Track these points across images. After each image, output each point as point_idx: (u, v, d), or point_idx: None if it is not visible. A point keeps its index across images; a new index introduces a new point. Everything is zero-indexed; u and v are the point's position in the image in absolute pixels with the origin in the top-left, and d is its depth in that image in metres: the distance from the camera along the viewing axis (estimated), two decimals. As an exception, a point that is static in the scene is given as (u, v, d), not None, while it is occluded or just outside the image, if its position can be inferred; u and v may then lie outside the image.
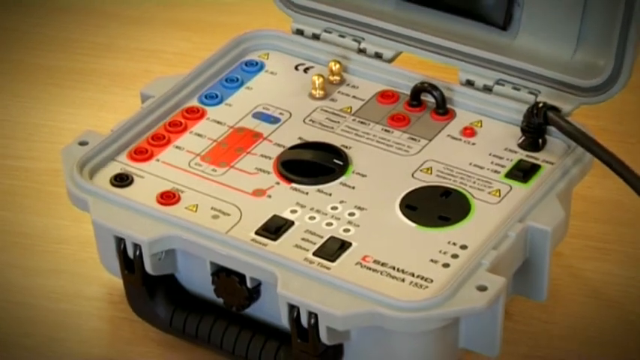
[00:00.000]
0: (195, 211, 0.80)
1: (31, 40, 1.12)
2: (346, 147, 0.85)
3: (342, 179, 0.82)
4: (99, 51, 1.10)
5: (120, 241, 0.79)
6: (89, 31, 1.13)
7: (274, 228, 0.78)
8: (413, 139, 0.86)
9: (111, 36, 1.12)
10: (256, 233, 0.78)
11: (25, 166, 0.98)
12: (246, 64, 0.92)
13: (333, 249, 0.77)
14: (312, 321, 0.73)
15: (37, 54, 1.10)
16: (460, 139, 0.85)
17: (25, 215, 0.94)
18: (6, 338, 0.84)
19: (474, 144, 0.85)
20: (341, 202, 0.81)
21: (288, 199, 0.81)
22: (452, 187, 0.81)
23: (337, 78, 0.90)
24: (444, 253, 0.76)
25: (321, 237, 0.78)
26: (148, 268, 0.79)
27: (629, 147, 0.91)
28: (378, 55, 0.91)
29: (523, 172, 0.82)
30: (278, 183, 0.82)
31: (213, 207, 0.80)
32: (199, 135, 0.86)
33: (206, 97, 0.89)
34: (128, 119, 0.86)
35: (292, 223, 0.79)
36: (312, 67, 0.92)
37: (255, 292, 0.78)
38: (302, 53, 0.93)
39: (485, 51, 0.88)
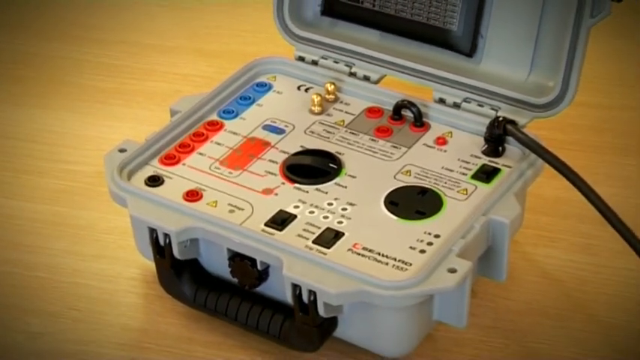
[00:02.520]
0: (215, 206, 0.79)
1: (85, 66, 1.11)
2: (340, 153, 0.83)
3: (336, 180, 0.81)
4: (139, 75, 1.10)
5: (153, 232, 0.78)
6: (131, 59, 1.12)
7: (280, 220, 0.77)
8: (395, 147, 0.84)
9: (149, 63, 1.11)
10: (265, 225, 0.77)
11: (77, 169, 0.97)
12: (257, 85, 0.91)
13: (329, 238, 0.76)
14: (312, 298, 0.73)
15: (89, 77, 1.09)
16: (434, 147, 0.84)
17: (77, 210, 0.93)
18: (59, 311, 0.83)
19: (445, 151, 0.84)
20: (335, 199, 0.79)
21: (292, 197, 0.80)
22: (427, 186, 0.80)
23: (332, 97, 0.89)
24: (421, 241, 0.75)
25: (319, 228, 0.77)
26: (176, 253, 0.78)
27: (572, 153, 0.90)
28: (366, 78, 0.90)
29: (486, 174, 0.81)
30: (283, 183, 0.81)
31: (229, 203, 0.79)
32: (218, 144, 0.85)
33: (224, 112, 0.88)
34: (160, 130, 0.85)
35: (295, 216, 0.78)
36: (311, 87, 0.91)
37: (264, 274, 0.77)
38: (303, 76, 0.92)
39: (454, 74, 0.87)
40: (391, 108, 0.87)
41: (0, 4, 1.20)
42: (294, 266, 0.73)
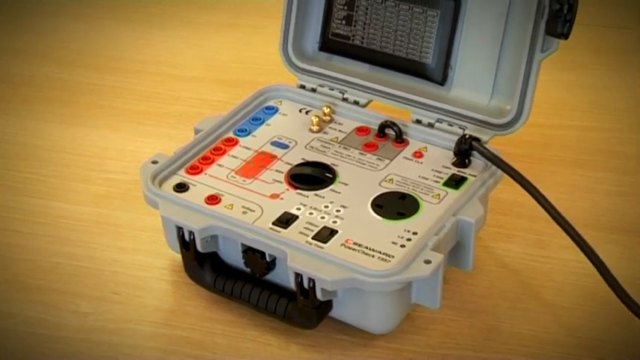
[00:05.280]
0: (231, 208, 0.78)
1: (123, 93, 1.10)
2: (334, 165, 0.83)
3: (331, 187, 0.81)
4: (168, 100, 1.09)
5: (180, 229, 0.78)
6: (162, 87, 1.11)
7: (285, 220, 0.77)
8: (380, 159, 0.84)
9: (176, 90, 1.11)
10: (273, 224, 0.77)
11: (117, 177, 0.97)
12: (266, 108, 0.91)
13: (325, 234, 0.75)
14: (311, 284, 0.73)
15: (127, 102, 1.09)
16: (412, 160, 0.84)
17: (117, 211, 0.92)
18: (103, 295, 0.83)
19: (421, 163, 0.83)
20: (331, 202, 0.79)
21: (295, 201, 0.79)
22: (406, 192, 0.80)
23: (328, 118, 0.89)
24: (401, 237, 0.75)
25: (317, 226, 0.76)
26: (199, 247, 0.77)
27: (525, 165, 0.90)
28: (356, 102, 0.90)
29: (455, 182, 0.80)
30: (287, 189, 0.80)
31: (243, 206, 0.78)
32: (234, 157, 0.84)
33: (239, 130, 0.87)
34: (185, 145, 0.84)
35: (297, 217, 0.77)
36: (311, 110, 0.90)
37: (272, 264, 0.77)
38: (304, 101, 0.91)
39: (428, 99, 0.86)
40: (377, 127, 0.86)
41: (53, 43, 1.20)
42: (297, 258, 0.73)
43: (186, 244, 0.78)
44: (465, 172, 0.81)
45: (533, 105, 0.81)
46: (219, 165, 0.83)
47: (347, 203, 0.79)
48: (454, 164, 0.82)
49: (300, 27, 0.92)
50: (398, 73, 0.89)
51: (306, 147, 0.85)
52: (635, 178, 0.94)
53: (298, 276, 0.73)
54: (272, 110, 0.90)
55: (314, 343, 0.78)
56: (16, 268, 0.86)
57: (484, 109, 0.85)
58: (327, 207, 0.78)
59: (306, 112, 0.90)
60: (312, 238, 0.75)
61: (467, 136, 0.81)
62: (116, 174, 0.97)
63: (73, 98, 1.10)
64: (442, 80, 0.87)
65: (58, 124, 1.05)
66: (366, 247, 0.74)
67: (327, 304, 0.76)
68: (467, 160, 0.82)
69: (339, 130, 0.88)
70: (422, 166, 0.83)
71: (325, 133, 0.87)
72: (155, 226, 0.87)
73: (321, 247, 0.74)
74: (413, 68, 0.88)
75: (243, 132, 0.87)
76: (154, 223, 0.88)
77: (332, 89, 0.91)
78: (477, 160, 0.82)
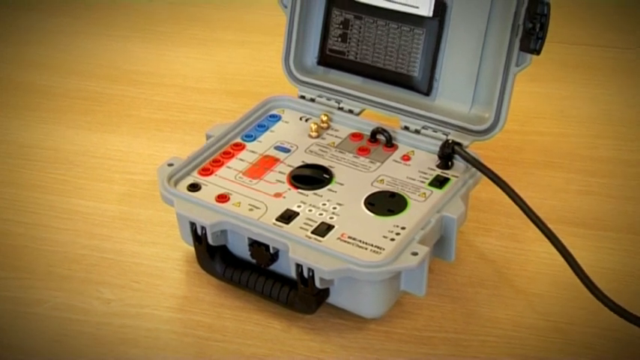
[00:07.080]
0: (239, 206, 0.78)
1: (142, 102, 1.10)
2: (331, 167, 0.83)
3: (329, 187, 0.80)
4: (183, 109, 1.09)
5: (193, 225, 0.77)
6: (177, 97, 1.11)
7: (287, 216, 0.76)
8: (372, 162, 0.83)
9: (190, 100, 1.10)
10: (276, 220, 0.76)
11: (137, 178, 0.96)
12: (270, 116, 0.90)
13: (323, 229, 0.75)
14: (310, 274, 0.72)
15: (146, 110, 1.08)
16: (401, 162, 0.83)
17: (137, 208, 0.92)
18: (124, 283, 0.83)
19: (409, 165, 0.83)
20: (328, 200, 0.78)
21: (296, 199, 0.79)
22: (396, 191, 0.79)
23: (325, 125, 0.88)
24: (391, 232, 0.75)
25: (316, 222, 0.76)
26: (210, 241, 0.77)
27: (502, 167, 0.90)
28: (350, 111, 0.89)
29: (439, 182, 0.80)
30: (289, 189, 0.80)
31: (249, 204, 0.78)
32: (241, 160, 0.84)
33: (245, 136, 0.87)
34: (198, 150, 0.84)
35: (298, 213, 0.77)
36: (310, 118, 0.90)
37: (275, 256, 0.76)
38: (304, 110, 0.91)
39: (415, 108, 0.86)
40: (369, 133, 0.86)
41: (82, 59, 1.19)
42: (298, 250, 0.72)
43: (198, 238, 0.78)
44: (448, 173, 0.81)
45: (509, 113, 0.81)
46: (228, 167, 0.83)
47: (342, 201, 0.78)
48: (438, 166, 0.82)
49: (300, 43, 0.92)
50: (388, 85, 0.88)
51: (305, 151, 0.85)
52: (601, 179, 0.94)
53: (299, 266, 0.72)
54: (275, 118, 0.90)
55: (313, 327, 0.77)
56: (48, 259, 0.85)
57: (465, 117, 0.84)
58: (324, 205, 0.78)
59: (306, 120, 0.90)
60: (312, 232, 0.75)
61: (450, 141, 0.81)
62: (137, 175, 0.96)
63: (98, 108, 1.09)
64: (427, 91, 0.86)
65: (84, 130, 1.05)
66: (360, 241, 0.74)
67: (325, 292, 0.75)
68: (450, 163, 0.82)
69: (336, 136, 0.87)
70: (409, 168, 0.82)
71: (323, 138, 0.87)
72: (171, 222, 0.87)
73: (320, 241, 0.74)
74: (401, 80, 0.87)
75: (250, 137, 0.87)
76: (169, 219, 0.87)
77: (329, 99, 0.90)
78: (459, 163, 0.82)
